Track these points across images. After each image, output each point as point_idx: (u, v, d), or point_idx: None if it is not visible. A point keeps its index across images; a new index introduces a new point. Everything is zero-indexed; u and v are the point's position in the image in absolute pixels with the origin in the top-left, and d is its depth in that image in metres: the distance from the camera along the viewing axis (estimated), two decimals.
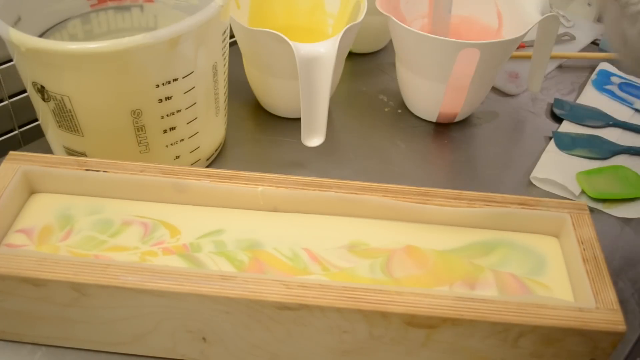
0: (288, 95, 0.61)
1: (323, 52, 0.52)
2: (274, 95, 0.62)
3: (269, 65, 0.58)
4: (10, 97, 0.60)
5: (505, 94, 0.72)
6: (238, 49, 0.59)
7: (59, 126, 0.50)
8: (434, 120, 0.65)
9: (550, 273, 0.43)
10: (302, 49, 0.52)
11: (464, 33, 0.68)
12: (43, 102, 0.49)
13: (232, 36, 0.56)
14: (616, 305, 0.39)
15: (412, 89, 0.64)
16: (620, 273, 0.52)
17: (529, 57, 0.63)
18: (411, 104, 0.66)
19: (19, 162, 0.46)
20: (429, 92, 0.62)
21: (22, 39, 0.44)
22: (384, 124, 0.66)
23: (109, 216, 0.45)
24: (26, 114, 0.62)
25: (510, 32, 0.64)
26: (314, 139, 0.56)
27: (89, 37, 0.59)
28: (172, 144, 0.52)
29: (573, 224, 0.44)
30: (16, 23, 0.51)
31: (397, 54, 0.63)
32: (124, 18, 0.60)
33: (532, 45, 0.64)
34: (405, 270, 0.43)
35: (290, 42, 0.52)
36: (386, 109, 0.68)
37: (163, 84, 0.48)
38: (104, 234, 0.44)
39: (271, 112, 0.65)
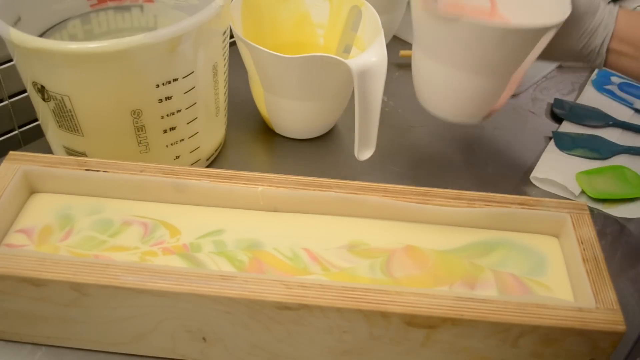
0: (304, 117, 0.61)
1: (375, 60, 0.52)
2: (287, 117, 0.61)
3: (290, 88, 0.57)
4: (10, 97, 0.60)
5: None
6: (237, 49, 0.59)
7: (59, 126, 0.50)
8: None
9: (550, 273, 0.43)
10: (355, 62, 0.51)
11: None
12: (43, 102, 0.49)
13: (231, 36, 0.56)
14: (616, 305, 0.39)
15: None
16: (620, 273, 0.52)
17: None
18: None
19: (19, 162, 0.46)
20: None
21: (22, 38, 0.44)
22: (383, 124, 0.66)
23: (109, 216, 0.45)
24: (26, 114, 0.62)
25: (506, 6, 0.59)
26: (366, 152, 0.55)
27: (89, 37, 0.59)
28: (172, 144, 0.52)
29: (573, 224, 0.44)
30: (16, 23, 0.51)
31: None
32: (124, 18, 0.60)
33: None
34: (405, 270, 0.43)
35: (344, 60, 0.52)
36: (386, 109, 0.68)
37: (163, 84, 0.48)
38: (104, 234, 0.44)
39: (281, 134, 0.64)
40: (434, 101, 0.57)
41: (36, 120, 0.62)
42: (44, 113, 0.50)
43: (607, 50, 0.53)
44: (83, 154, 0.51)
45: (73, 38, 0.58)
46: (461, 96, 0.55)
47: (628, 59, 0.53)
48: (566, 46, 0.54)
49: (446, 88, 0.55)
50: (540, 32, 0.50)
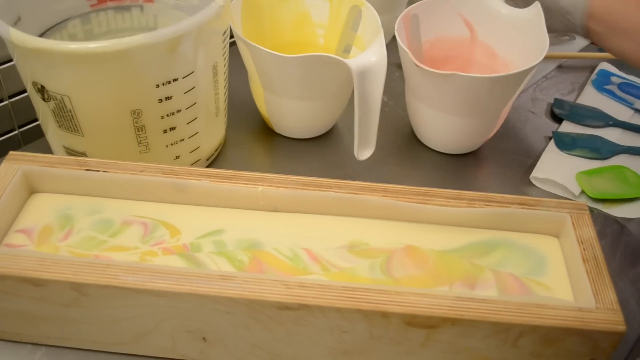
0: (304, 117, 0.61)
1: (375, 60, 0.52)
2: (287, 117, 0.61)
3: (290, 87, 0.57)
4: (10, 97, 0.60)
5: None
6: (237, 49, 0.59)
7: (59, 126, 0.50)
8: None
9: (550, 273, 0.43)
10: (355, 62, 0.51)
11: (437, 54, 0.65)
12: (43, 102, 0.49)
13: (231, 36, 0.56)
14: (616, 305, 0.39)
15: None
16: (620, 273, 0.52)
17: None
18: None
19: (19, 162, 0.46)
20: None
21: (22, 38, 0.44)
22: (383, 124, 0.66)
23: (109, 216, 0.45)
24: (26, 114, 0.62)
25: (486, 34, 0.63)
26: (366, 151, 0.55)
27: (89, 37, 0.59)
28: (172, 144, 0.52)
29: (573, 224, 0.44)
30: (16, 23, 0.51)
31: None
32: (124, 18, 0.60)
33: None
34: (405, 270, 0.43)
35: (344, 60, 0.52)
36: (386, 109, 0.68)
37: (163, 84, 0.48)
38: (104, 234, 0.44)
39: (281, 134, 0.64)
40: (430, 138, 0.62)
41: (36, 120, 0.62)
42: (44, 113, 0.50)
43: (588, 29, 0.57)
44: (83, 154, 0.51)
45: (73, 38, 0.58)
46: (455, 134, 0.60)
47: (604, 38, 0.57)
48: (556, 27, 0.60)
49: (440, 129, 0.60)
50: (524, 73, 0.54)
